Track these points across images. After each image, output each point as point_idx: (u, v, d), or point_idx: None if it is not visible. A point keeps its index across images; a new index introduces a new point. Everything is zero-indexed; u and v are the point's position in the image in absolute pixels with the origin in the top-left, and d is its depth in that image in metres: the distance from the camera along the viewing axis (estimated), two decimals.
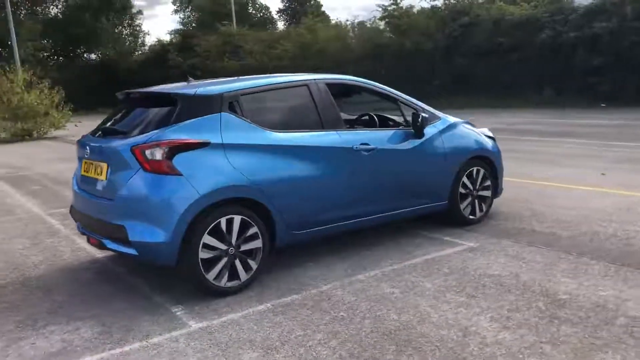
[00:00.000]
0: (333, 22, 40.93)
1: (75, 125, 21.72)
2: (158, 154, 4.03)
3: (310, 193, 4.64)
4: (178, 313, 4.02)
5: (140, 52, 47.99)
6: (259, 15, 62.51)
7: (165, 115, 4.30)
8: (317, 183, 4.67)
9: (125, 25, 47.81)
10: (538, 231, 5.53)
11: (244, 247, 4.30)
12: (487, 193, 5.95)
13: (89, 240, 4.69)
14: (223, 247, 4.19)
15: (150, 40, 50.47)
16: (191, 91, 4.44)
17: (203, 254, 4.10)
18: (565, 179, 7.94)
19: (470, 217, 5.81)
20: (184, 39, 41.33)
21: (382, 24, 30.91)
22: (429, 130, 5.46)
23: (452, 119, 5.86)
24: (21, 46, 38.68)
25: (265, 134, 4.47)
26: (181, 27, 55.85)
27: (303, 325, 3.70)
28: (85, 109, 37.66)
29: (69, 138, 20.07)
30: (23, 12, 43.49)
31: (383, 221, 5.30)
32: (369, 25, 32.46)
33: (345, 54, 30.51)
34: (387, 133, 5.34)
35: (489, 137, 6.13)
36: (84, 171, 4.68)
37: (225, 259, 4.21)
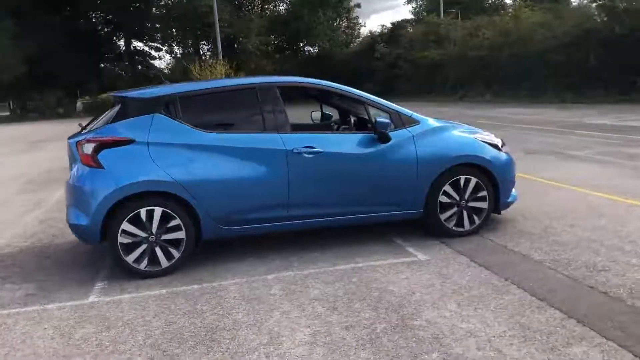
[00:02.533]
0: (574, 4, 37.53)
1: None
2: (89, 149, 4.69)
3: (240, 192, 4.88)
4: (96, 287, 4.66)
5: (355, 44, 50.13)
6: (490, 1, 60.47)
7: (113, 115, 4.94)
8: (249, 182, 4.89)
9: (343, 18, 50.29)
10: (515, 251, 4.97)
11: (165, 237, 4.76)
12: (482, 204, 5.46)
13: None
14: (143, 234, 4.70)
15: (365, 32, 52.27)
16: (131, 94, 5.00)
17: (122, 239, 4.66)
18: None
19: (456, 228, 5.41)
20: (392, 30, 42.11)
21: (593, 7, 27.79)
22: (399, 135, 5.24)
23: (435, 122, 5.50)
24: (250, 41, 43.52)
25: (196, 134, 4.84)
26: (412, 17, 56.78)
27: (159, 313, 4.05)
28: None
29: None
30: (256, 10, 48.51)
31: (337, 224, 5.28)
32: (580, 8, 29.45)
33: (548, 42, 28.16)
34: (343, 136, 5.29)
35: (492, 144, 5.58)
36: None
37: (145, 246, 4.71)
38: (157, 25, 53.70)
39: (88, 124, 5.32)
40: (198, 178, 4.77)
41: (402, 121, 5.32)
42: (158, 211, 4.71)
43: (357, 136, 5.25)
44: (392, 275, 4.55)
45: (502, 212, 5.85)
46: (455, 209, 5.39)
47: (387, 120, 5.14)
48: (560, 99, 25.53)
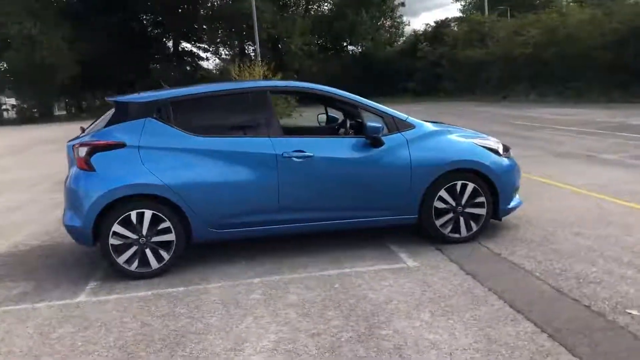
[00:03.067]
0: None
1: (300, 115, 24.12)
2: (82, 152, 4.82)
3: (229, 195, 4.91)
4: (88, 287, 4.79)
5: (398, 43, 49.78)
6: None
7: (107, 119, 5.06)
8: (238, 186, 4.91)
9: (387, 17, 49.97)
10: (508, 260, 4.84)
11: (155, 239, 4.84)
12: (480, 211, 5.33)
13: None
14: (133, 236, 4.79)
15: (409, 31, 51.56)
16: (125, 98, 5.11)
17: (113, 240, 4.77)
18: None
19: (452, 234, 5.31)
20: (435, 29, 41.58)
21: None
22: (393, 139, 5.18)
23: (431, 127, 5.41)
24: (292, 41, 43.78)
25: (186, 138, 4.90)
26: (461, 14, 55.88)
27: (138, 314, 4.13)
28: None
29: None
30: (300, 11, 48.68)
31: (329, 229, 5.26)
32: (630, 5, 28.29)
33: (596, 39, 27.20)
34: (335, 141, 5.25)
35: (491, 149, 5.43)
36: None
37: (135, 247, 4.81)
38: (204, 26, 54.60)
39: (88, 127, 5.46)
40: (187, 181, 4.83)
41: (397, 125, 5.26)
42: (148, 214, 4.79)
43: (350, 140, 5.21)
44: (375, 281, 4.49)
45: (508, 218, 5.72)
46: (451, 215, 5.29)
47: (379, 125, 5.08)
48: (608, 99, 24.66)
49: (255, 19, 25.76)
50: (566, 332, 3.44)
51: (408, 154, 5.16)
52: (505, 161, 5.47)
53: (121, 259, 4.81)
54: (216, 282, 4.70)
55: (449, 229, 5.31)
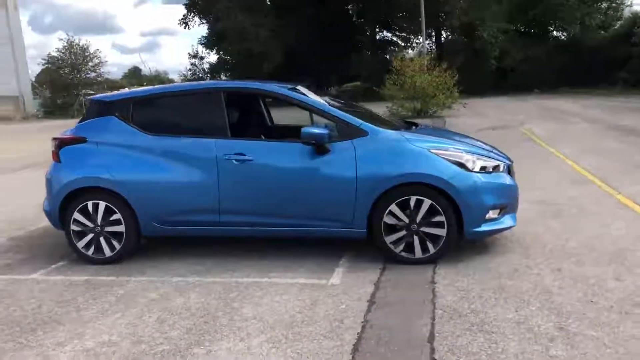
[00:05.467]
0: None
1: (463, 106, 23.13)
2: (54, 145, 5.38)
3: (172, 194, 5.06)
4: (53, 266, 5.33)
5: (615, 27, 44.26)
6: None
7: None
8: (180, 185, 5.03)
9: None
10: (435, 292, 4.25)
11: (109, 229, 5.21)
12: (439, 231, 4.74)
13: None
14: (90, 224, 5.22)
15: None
16: (96, 97, 5.52)
17: (74, 227, 5.25)
18: None
19: (405, 254, 4.81)
20: None
21: None
22: (340, 146, 4.83)
23: (390, 134, 4.91)
24: (486, 29, 41.64)
25: (139, 136, 5.15)
26: None
27: (48, 297, 4.50)
28: (546, 88, 38.05)
29: (447, 117, 21.51)
30: None
31: (271, 235, 5.13)
32: None
33: None
34: (281, 145, 5.06)
35: (457, 162, 4.75)
36: None
37: (91, 235, 5.24)
38: (405, 14, 54.49)
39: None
40: (134, 177, 5.09)
41: (350, 132, 4.88)
42: (102, 205, 5.16)
43: (298, 146, 4.95)
44: (273, 295, 4.30)
45: (508, 240, 5.12)
46: (404, 233, 4.78)
47: (318, 131, 4.77)
48: None
49: (422, 7, 25.05)
50: None
51: (354, 162, 4.77)
52: (476, 177, 4.74)
53: (80, 244, 5.26)
54: (143, 277, 4.89)
55: (401, 247, 4.80)
